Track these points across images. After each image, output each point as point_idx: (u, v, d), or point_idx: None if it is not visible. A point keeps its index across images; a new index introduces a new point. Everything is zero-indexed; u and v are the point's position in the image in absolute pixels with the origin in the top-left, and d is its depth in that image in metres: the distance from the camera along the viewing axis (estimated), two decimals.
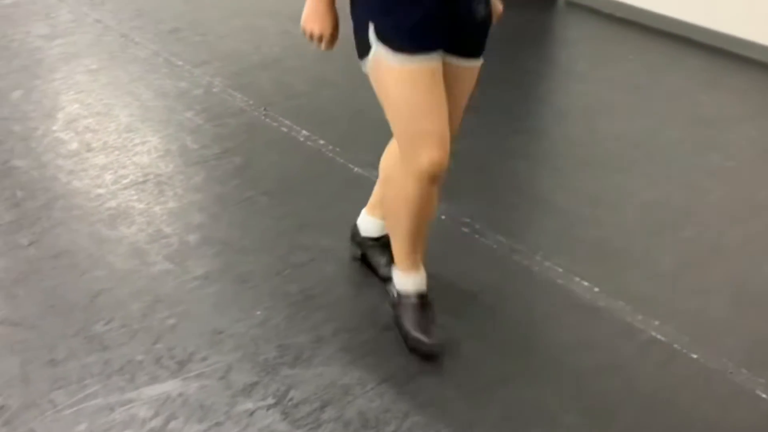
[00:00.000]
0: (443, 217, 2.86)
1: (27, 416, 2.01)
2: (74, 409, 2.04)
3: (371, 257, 2.54)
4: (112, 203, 2.87)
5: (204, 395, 2.11)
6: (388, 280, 2.42)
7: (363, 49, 2.04)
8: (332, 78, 3.80)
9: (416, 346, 2.26)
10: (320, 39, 2.04)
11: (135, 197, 2.91)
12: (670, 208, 3.06)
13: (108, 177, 3.02)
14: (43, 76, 3.79)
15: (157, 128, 3.39)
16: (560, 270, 2.65)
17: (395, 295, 2.34)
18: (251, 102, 3.57)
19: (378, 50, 1.99)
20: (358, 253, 2.59)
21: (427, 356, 2.25)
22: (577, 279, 2.60)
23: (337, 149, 3.25)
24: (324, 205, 2.94)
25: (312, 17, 2.04)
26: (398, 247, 2.29)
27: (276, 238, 2.75)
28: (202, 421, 2.03)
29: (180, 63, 3.94)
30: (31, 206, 2.84)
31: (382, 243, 2.48)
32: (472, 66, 2.14)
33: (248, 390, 2.14)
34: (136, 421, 2.02)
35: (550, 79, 4.24)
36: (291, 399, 2.12)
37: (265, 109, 3.49)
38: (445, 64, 2.05)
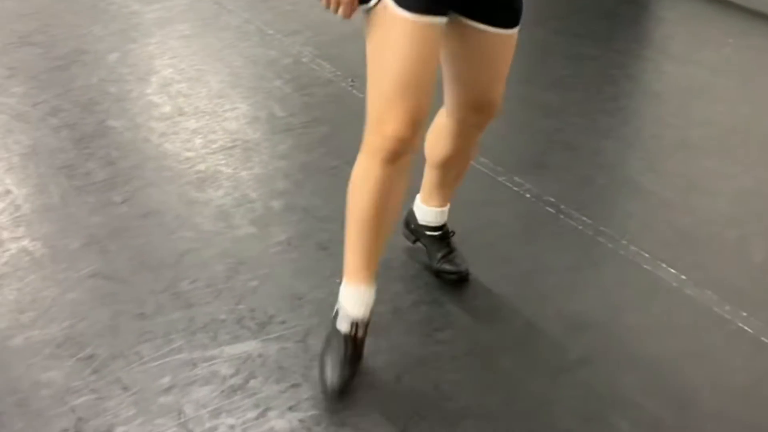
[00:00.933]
0: (527, 195, 2.83)
1: (115, 366, 2.08)
2: (159, 362, 2.10)
3: (427, 247, 2.45)
4: (201, 167, 2.93)
5: (282, 357, 2.15)
6: (440, 273, 2.39)
7: None
8: None
9: (322, 384, 2.01)
10: (338, 3, 1.77)
11: (223, 162, 2.97)
12: (766, 198, 2.94)
13: (198, 141, 3.09)
14: (138, 40, 3.89)
15: (247, 95, 3.44)
16: (647, 255, 2.58)
17: (335, 309, 2.05)
18: (339, 73, 3.59)
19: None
20: (412, 238, 2.49)
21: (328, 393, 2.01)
22: (664, 265, 2.54)
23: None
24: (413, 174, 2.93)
25: None
26: (346, 246, 2.00)
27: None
28: (280, 381, 2.07)
29: (271, 32, 3.98)
30: (124, 166, 2.93)
31: (441, 234, 2.40)
32: (504, 33, 1.92)
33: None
34: (217, 378, 2.07)
35: (643, 59, 4.11)
36: (366, 366, 2.13)
37: (352, 81, 3.50)
38: (465, 29, 1.88)
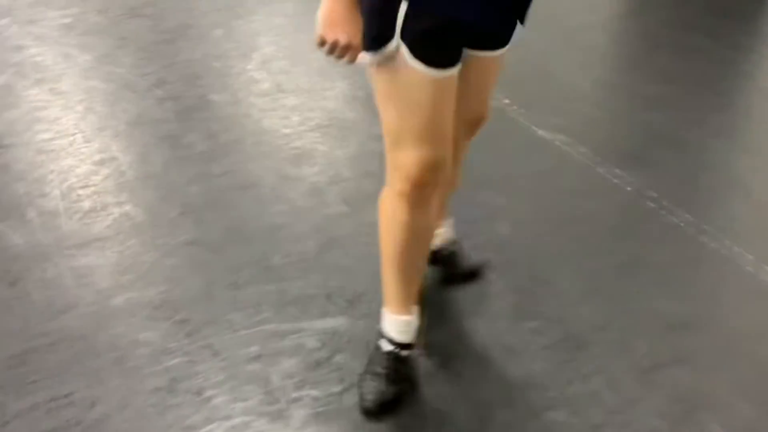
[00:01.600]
0: (628, 188, 2.75)
1: (207, 331, 2.13)
2: (249, 331, 2.14)
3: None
4: (298, 143, 2.96)
5: (370, 335, 2.15)
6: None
7: (380, 37, 1.60)
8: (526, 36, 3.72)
9: (361, 399, 1.95)
10: (347, 48, 1.57)
11: (319, 139, 2.99)
12: None
13: (295, 118, 3.12)
14: (243, 16, 3.96)
15: (346, 75, 3.46)
16: (750, 257, 2.47)
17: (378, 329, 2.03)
18: None
19: (404, 49, 1.61)
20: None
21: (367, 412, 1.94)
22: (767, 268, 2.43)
23: (522, 110, 3.18)
24: (503, 163, 2.89)
25: (334, 22, 1.56)
26: (383, 276, 1.96)
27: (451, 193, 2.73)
28: (365, 359, 2.07)
29: None
30: (224, 139, 2.99)
31: (450, 253, 2.34)
32: (500, 54, 1.86)
33: None
34: (303, 350, 2.09)
35: (758, 55, 3.93)
36: (454, 351, 2.12)
37: None
38: (475, 63, 1.81)
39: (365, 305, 2.25)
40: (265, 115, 3.13)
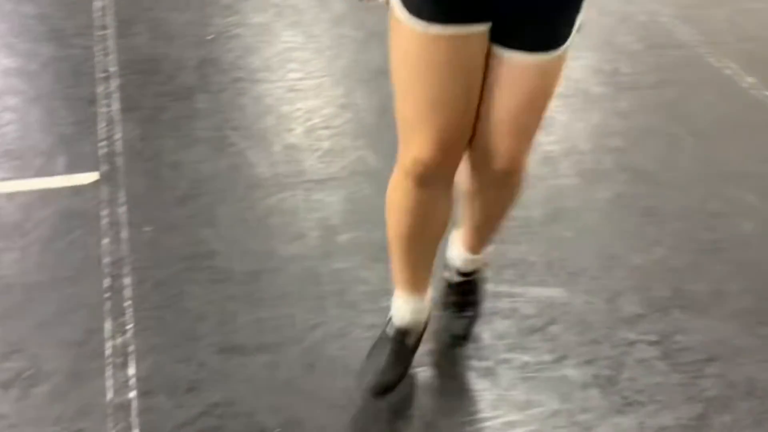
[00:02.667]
0: None
1: None
2: None
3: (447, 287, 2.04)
4: None
5: (587, 311, 2.09)
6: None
7: None
8: None
9: (360, 380, 1.82)
10: None
11: (560, 108, 2.91)
12: None
13: None
14: None
15: (595, 47, 3.33)
16: None
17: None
18: (697, 37, 3.34)
19: (399, 6, 1.39)
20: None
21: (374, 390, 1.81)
22: None
23: None
24: (757, 159, 2.68)
25: None
26: (391, 256, 1.76)
27: (694, 181, 2.58)
28: (581, 334, 2.02)
29: None
30: None
31: (464, 285, 1.99)
32: (539, 60, 1.41)
33: (633, 320, 2.07)
34: (517, 315, 2.07)
35: None
36: (676, 342, 2.01)
37: None
38: (493, 56, 1.43)
39: (586, 281, 2.19)
40: None
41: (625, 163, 2.66)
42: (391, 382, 1.79)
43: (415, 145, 1.49)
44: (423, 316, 1.81)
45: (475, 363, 1.93)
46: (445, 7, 1.34)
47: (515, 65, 1.40)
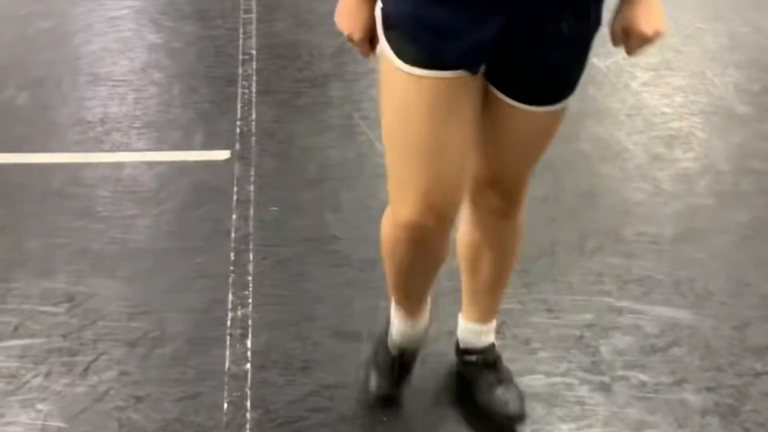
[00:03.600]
0: None
1: (544, 287, 2.13)
2: (587, 298, 2.09)
3: (471, 377, 1.85)
4: (675, 125, 2.81)
5: (713, 336, 2.00)
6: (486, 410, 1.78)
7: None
8: None
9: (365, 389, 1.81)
10: (350, 40, 1.44)
11: (699, 125, 2.81)
12: None
13: (678, 98, 2.96)
14: None
15: (743, 65, 3.19)
16: None
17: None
18: None
19: (383, 43, 1.37)
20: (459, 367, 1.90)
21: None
22: None
23: None
24: None
25: (342, 12, 1.43)
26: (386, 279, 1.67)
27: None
28: (704, 359, 1.93)
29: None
30: (597, 105, 2.92)
31: (483, 360, 1.82)
32: (538, 112, 1.38)
33: (761, 351, 1.97)
34: (639, 332, 2.00)
35: None
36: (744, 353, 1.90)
37: None
38: (494, 101, 1.39)
39: (714, 305, 2.09)
40: (645, 89, 3.01)
41: (766, 186, 2.53)
42: (393, 392, 1.81)
43: (404, 207, 1.41)
44: (418, 339, 1.77)
45: (589, 376, 1.88)
46: (437, 54, 1.30)
47: (524, 115, 1.39)
